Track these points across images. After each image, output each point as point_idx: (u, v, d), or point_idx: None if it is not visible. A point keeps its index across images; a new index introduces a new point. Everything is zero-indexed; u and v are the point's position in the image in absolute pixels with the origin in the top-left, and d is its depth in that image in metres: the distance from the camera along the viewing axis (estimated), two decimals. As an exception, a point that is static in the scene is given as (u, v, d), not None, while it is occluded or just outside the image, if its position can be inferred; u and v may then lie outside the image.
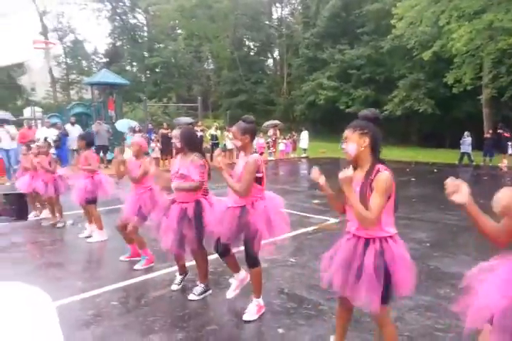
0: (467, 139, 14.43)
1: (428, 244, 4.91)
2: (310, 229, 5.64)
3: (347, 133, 2.17)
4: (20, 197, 0.84)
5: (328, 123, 29.03)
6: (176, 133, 3.52)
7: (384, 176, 2.04)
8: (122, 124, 15.09)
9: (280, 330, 2.84)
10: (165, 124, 15.65)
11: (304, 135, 18.43)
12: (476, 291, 1.69)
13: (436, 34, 17.95)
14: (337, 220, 6.07)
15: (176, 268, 3.74)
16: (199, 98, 18.86)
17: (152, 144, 13.59)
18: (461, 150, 14.61)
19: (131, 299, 3.40)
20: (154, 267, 4.12)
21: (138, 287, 3.68)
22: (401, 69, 23.74)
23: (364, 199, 2.05)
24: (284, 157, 17.70)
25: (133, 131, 13.33)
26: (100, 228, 5.13)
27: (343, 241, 2.27)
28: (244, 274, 3.25)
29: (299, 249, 4.73)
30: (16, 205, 0.82)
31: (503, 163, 13.62)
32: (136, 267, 4.11)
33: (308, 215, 6.45)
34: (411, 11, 17.43)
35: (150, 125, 17.12)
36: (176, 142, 3.43)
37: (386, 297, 2.10)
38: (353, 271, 2.11)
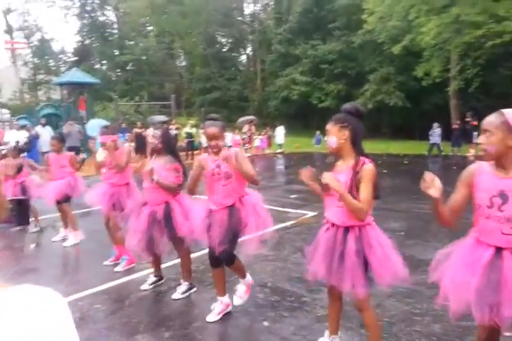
0: (437, 130, 14.87)
1: (402, 233, 5.08)
2: (289, 223, 5.74)
3: (328, 126, 2.24)
4: (20, 203, 0.86)
5: (302, 118, 29.27)
6: (152, 132, 3.49)
7: (370, 168, 2.16)
8: (92, 127, 14.40)
9: (265, 323, 2.91)
10: (138, 123, 15.45)
11: (280, 130, 18.57)
12: (446, 279, 1.83)
13: (405, 28, 18.29)
14: (315, 214, 6.19)
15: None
16: (172, 96, 18.67)
17: (126, 144, 13.39)
18: (431, 142, 15.05)
19: (115, 301, 3.39)
20: (136, 268, 4.11)
21: (120, 288, 3.67)
22: (372, 63, 24.15)
23: (351, 190, 2.14)
24: (259, 153, 17.78)
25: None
26: (75, 229, 5.06)
27: (322, 232, 2.33)
28: (228, 300, 3.12)
29: (279, 243, 4.80)
30: (17, 211, 0.83)
31: (470, 153, 14.12)
32: (116, 269, 4.09)
33: (286, 210, 6.54)
34: (381, 5, 17.76)
35: (124, 124, 16.86)
36: (156, 142, 3.40)
37: (367, 282, 2.18)
38: (335, 258, 2.19)
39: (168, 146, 3.42)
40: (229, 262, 2.95)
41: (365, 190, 2.13)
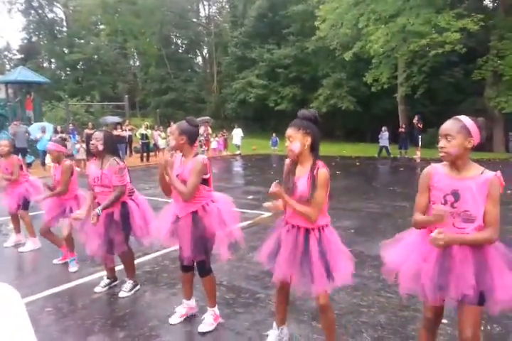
0: (385, 134, 15.63)
1: (352, 231, 5.33)
2: (245, 223, 5.83)
3: (291, 132, 2.26)
4: None
5: (259, 120, 29.63)
6: (94, 134, 3.44)
7: (324, 173, 2.25)
8: (34, 130, 13.59)
9: (221, 320, 2.96)
10: (90, 124, 14.96)
11: (237, 131, 18.69)
12: (398, 262, 2.07)
13: (356, 36, 19.06)
14: (270, 214, 6.33)
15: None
16: (126, 96, 18.26)
17: (77, 145, 12.98)
18: (380, 144, 15.82)
19: (67, 304, 3.32)
20: (88, 270, 4.04)
21: (73, 291, 3.59)
22: (325, 68, 24.92)
23: (312, 192, 2.25)
24: (216, 155, 17.79)
25: (44, 130, 12.73)
26: (33, 235, 4.89)
27: (283, 233, 2.39)
28: (194, 304, 3.09)
29: (235, 243, 4.87)
30: None
31: (417, 155, 14.95)
32: (71, 270, 4.05)
33: (243, 210, 6.62)
34: (333, 13, 18.39)
35: (71, 125, 16.24)
36: (98, 144, 3.35)
37: (328, 282, 2.26)
38: (297, 260, 2.28)
39: (112, 147, 3.44)
40: (203, 273, 2.87)
41: (319, 195, 2.24)
